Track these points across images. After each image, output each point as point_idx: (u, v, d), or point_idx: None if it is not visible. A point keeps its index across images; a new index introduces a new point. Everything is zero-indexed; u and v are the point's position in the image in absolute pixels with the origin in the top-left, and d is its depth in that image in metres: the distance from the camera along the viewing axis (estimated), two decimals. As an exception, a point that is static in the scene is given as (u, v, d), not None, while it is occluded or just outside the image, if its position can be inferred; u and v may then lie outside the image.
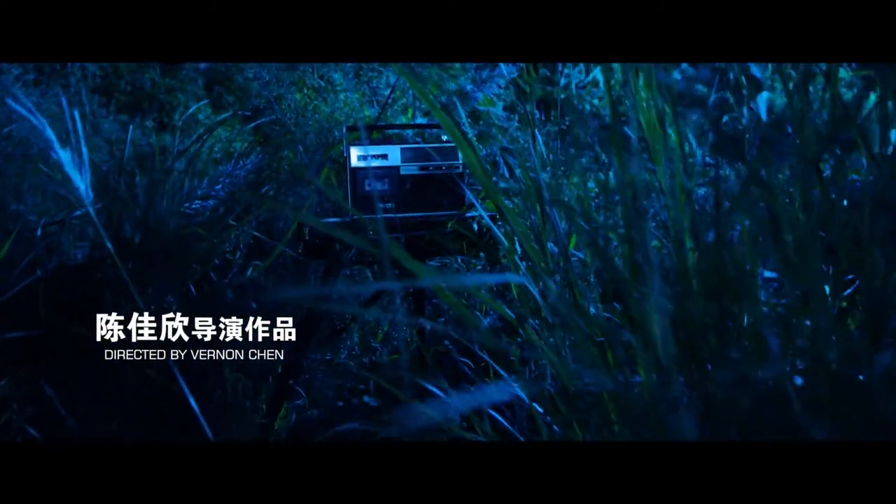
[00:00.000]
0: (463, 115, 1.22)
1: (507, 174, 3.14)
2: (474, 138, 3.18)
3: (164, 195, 2.67)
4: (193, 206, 2.51)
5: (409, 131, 2.99)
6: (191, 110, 4.68)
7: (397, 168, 1.87)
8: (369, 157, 1.86)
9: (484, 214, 1.41)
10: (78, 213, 2.63)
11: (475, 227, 1.85)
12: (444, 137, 1.87)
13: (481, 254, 1.92)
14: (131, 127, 3.08)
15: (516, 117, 3.65)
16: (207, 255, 2.38)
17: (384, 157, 1.87)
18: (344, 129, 1.88)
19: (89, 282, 2.45)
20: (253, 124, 3.32)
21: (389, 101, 3.25)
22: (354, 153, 1.85)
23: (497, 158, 3.04)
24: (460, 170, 1.90)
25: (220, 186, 2.51)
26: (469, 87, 3.20)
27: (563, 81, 6.83)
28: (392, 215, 1.84)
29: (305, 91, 2.91)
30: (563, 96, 7.25)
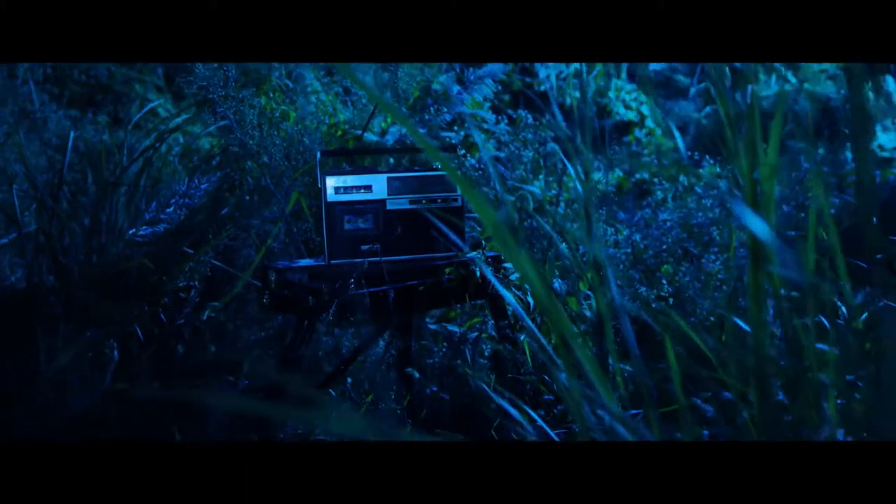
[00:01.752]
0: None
1: (497, 186, 2.82)
2: (460, 146, 2.85)
3: (113, 209, 2.32)
4: (141, 231, 2.15)
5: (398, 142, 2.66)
6: (147, 108, 4.31)
7: (383, 202, 1.54)
8: (349, 189, 1.53)
9: (492, 278, 1.10)
10: (4, 241, 2.26)
11: (477, 273, 1.53)
12: (438, 164, 1.54)
13: (485, 303, 1.61)
14: (72, 133, 2.71)
15: (505, 119, 3.34)
16: (156, 292, 2.03)
17: (367, 188, 1.54)
18: (318, 154, 1.55)
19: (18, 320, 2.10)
20: (211, 127, 2.97)
21: (363, 101, 2.92)
22: (331, 183, 1.52)
23: (489, 170, 2.72)
24: (459, 202, 1.58)
25: (171, 209, 2.15)
26: (456, 89, 2.88)
27: (542, 73, 6.52)
28: (378, 258, 1.51)
29: (272, 94, 2.56)
30: (542, 88, 6.98)
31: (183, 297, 2.02)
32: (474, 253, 1.51)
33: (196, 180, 2.16)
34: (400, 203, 1.55)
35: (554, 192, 3.19)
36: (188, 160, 3.64)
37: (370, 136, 2.64)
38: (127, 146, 3.05)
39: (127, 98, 5.01)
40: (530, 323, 1.18)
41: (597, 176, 4.47)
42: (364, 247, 1.52)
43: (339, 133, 2.67)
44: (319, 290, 1.40)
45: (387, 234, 1.54)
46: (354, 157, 2.12)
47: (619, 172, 4.65)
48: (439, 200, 1.57)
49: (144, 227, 2.14)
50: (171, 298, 2.02)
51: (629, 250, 2.70)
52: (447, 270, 1.51)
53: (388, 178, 1.54)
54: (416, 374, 1.84)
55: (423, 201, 1.56)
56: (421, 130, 2.63)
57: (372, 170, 1.54)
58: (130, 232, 2.12)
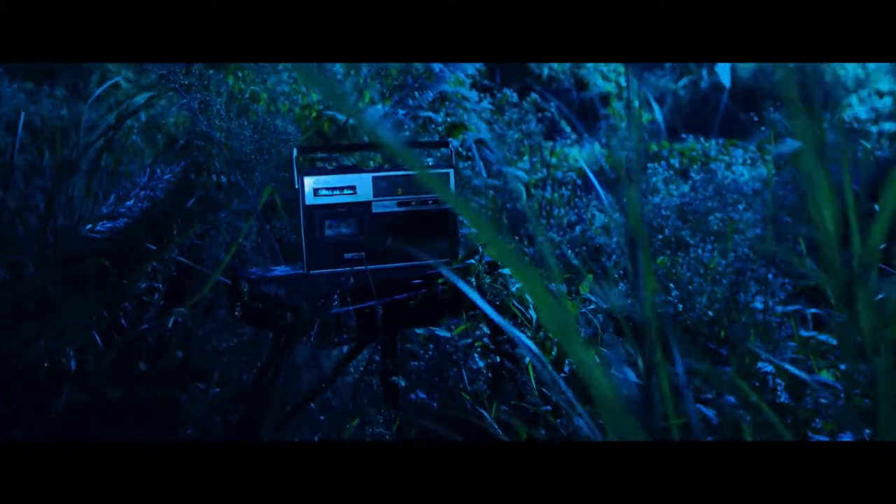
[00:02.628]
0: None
1: (484, 172, 2.68)
2: (443, 129, 2.68)
3: (71, 191, 2.13)
4: (98, 227, 1.97)
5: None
6: (109, 83, 4.06)
7: (368, 204, 1.38)
8: (330, 191, 1.36)
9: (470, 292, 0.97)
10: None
11: (474, 282, 1.38)
12: (430, 160, 1.39)
13: (479, 316, 1.46)
14: (23, 114, 2.49)
15: (488, 97, 3.17)
16: (117, 294, 1.86)
17: (351, 189, 1.37)
18: (294, 151, 1.38)
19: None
20: (180, 104, 2.77)
21: (339, 76, 2.73)
22: (309, 184, 1.35)
23: (472, 152, 2.57)
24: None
25: (132, 202, 1.97)
26: (437, 67, 2.70)
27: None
28: (363, 268, 1.36)
29: (240, 74, 2.37)
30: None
31: (146, 301, 1.85)
32: (471, 260, 1.37)
33: (159, 171, 1.97)
34: (387, 206, 1.40)
35: (541, 174, 3.04)
36: (151, 137, 3.42)
37: (345, 118, 2.46)
38: (87, 123, 2.84)
39: (86, 68, 4.75)
40: (530, 343, 1.06)
41: (573, 152, 4.32)
42: (347, 255, 1.37)
43: (314, 115, 2.49)
44: (299, 307, 1.24)
45: (372, 240, 1.39)
46: (334, 152, 1.95)
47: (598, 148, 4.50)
48: (430, 202, 1.41)
49: (102, 222, 1.96)
50: (133, 302, 1.85)
51: (622, 240, 2.56)
52: (440, 280, 1.36)
53: (374, 178, 1.38)
54: (403, 383, 1.70)
55: (413, 203, 1.40)
56: (401, 112, 2.46)
57: (356, 169, 1.38)
58: (87, 228, 1.94)
